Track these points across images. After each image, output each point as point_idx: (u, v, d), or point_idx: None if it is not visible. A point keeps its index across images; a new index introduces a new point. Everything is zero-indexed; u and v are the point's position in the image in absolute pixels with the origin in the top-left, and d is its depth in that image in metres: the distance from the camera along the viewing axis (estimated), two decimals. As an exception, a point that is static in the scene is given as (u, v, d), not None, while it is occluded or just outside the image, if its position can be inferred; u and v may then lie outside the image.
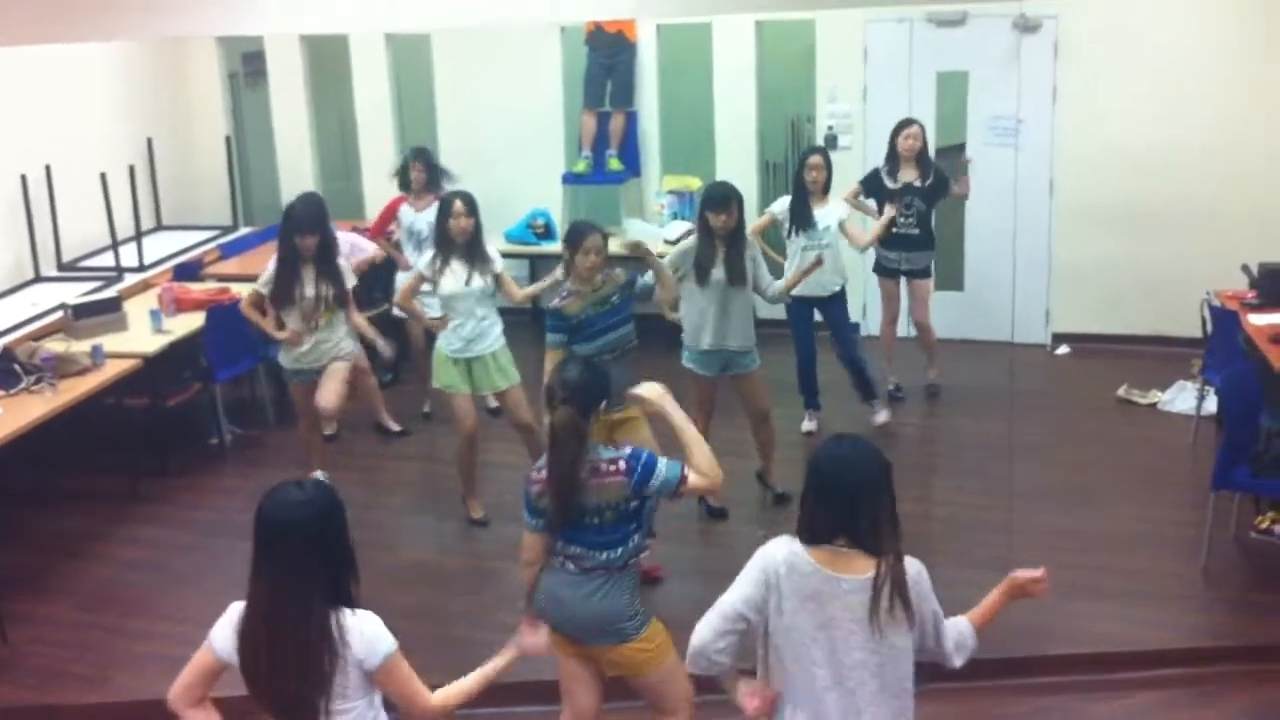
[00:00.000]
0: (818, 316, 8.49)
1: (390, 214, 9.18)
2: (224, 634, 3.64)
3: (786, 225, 8.21)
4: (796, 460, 8.24)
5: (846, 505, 3.63)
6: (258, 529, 3.59)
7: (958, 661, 3.83)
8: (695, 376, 7.26)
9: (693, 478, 4.51)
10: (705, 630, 3.74)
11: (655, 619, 4.73)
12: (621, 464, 4.48)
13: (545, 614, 4.60)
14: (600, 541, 4.52)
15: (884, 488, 3.67)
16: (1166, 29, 9.42)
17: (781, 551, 3.68)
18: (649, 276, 6.77)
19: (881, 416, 8.60)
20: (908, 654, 3.68)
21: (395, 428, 8.92)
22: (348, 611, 3.58)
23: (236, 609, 3.64)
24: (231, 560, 7.00)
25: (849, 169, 9.28)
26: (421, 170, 8.90)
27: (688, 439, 4.55)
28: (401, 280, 8.42)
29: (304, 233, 7.26)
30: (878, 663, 3.63)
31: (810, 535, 3.67)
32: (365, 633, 3.58)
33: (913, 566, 3.68)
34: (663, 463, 4.51)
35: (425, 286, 7.40)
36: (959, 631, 3.84)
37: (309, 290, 7.32)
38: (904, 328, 9.50)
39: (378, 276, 9.32)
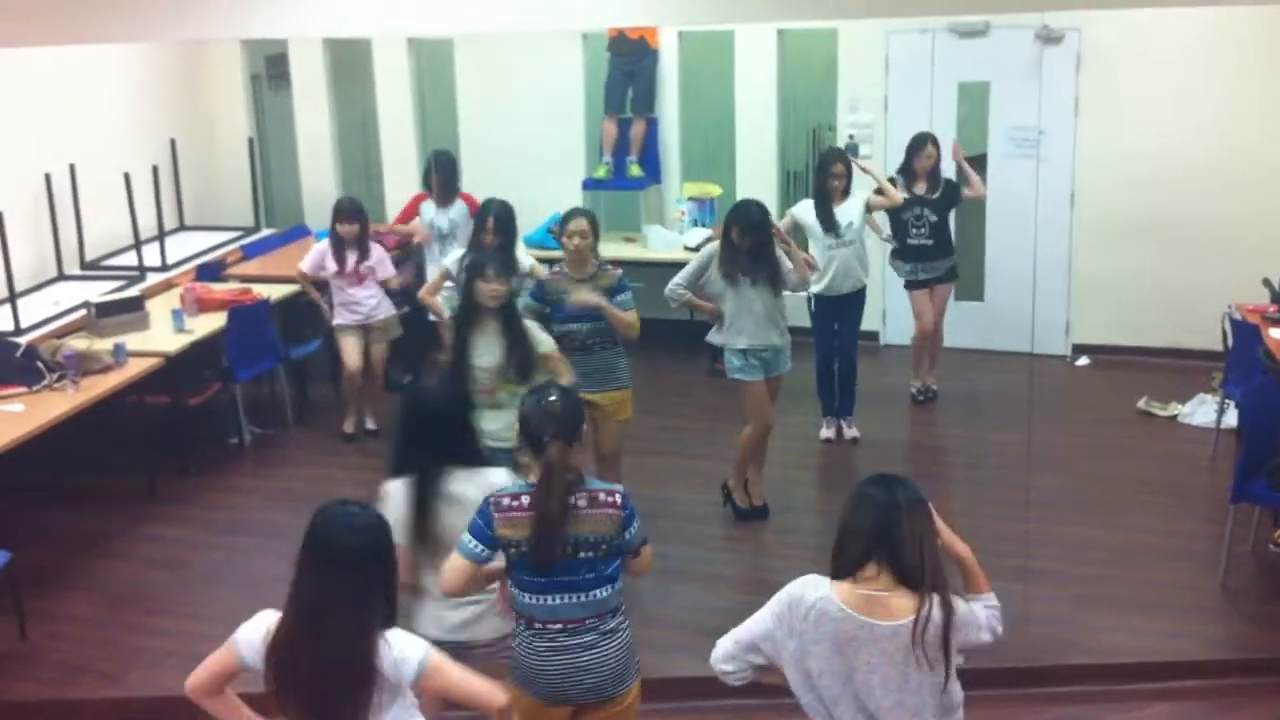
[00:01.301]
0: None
1: (411, 210, 9.27)
2: (252, 640, 3.59)
3: (810, 228, 8.23)
4: (810, 466, 8.31)
5: (878, 535, 3.56)
6: (316, 549, 3.55)
7: (999, 629, 3.79)
8: (744, 384, 7.28)
9: (646, 551, 4.40)
10: (719, 651, 3.80)
11: None
12: (617, 497, 4.27)
13: (547, 692, 4.29)
14: (593, 579, 4.22)
15: (923, 524, 3.59)
16: (1188, 42, 9.40)
17: (811, 597, 3.60)
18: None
19: (853, 433, 8.61)
20: (951, 681, 3.62)
21: (349, 431, 8.96)
22: (389, 638, 3.55)
23: (268, 617, 3.60)
24: (250, 559, 7.13)
25: (869, 179, 9.28)
26: (438, 175, 9.08)
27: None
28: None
29: (490, 278, 6.03)
30: (916, 702, 3.57)
31: (840, 568, 3.61)
32: (394, 655, 3.53)
33: (960, 606, 3.63)
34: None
35: (449, 284, 7.47)
36: (982, 616, 3.75)
37: (485, 359, 6.02)
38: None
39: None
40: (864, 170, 8.66)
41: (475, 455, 4.77)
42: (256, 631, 3.60)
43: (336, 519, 3.59)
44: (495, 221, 7.39)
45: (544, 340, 6.21)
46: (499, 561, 4.26)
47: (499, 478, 4.60)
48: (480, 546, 4.20)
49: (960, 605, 3.62)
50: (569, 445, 4.24)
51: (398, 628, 3.63)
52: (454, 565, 4.21)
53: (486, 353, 6.00)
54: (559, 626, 4.22)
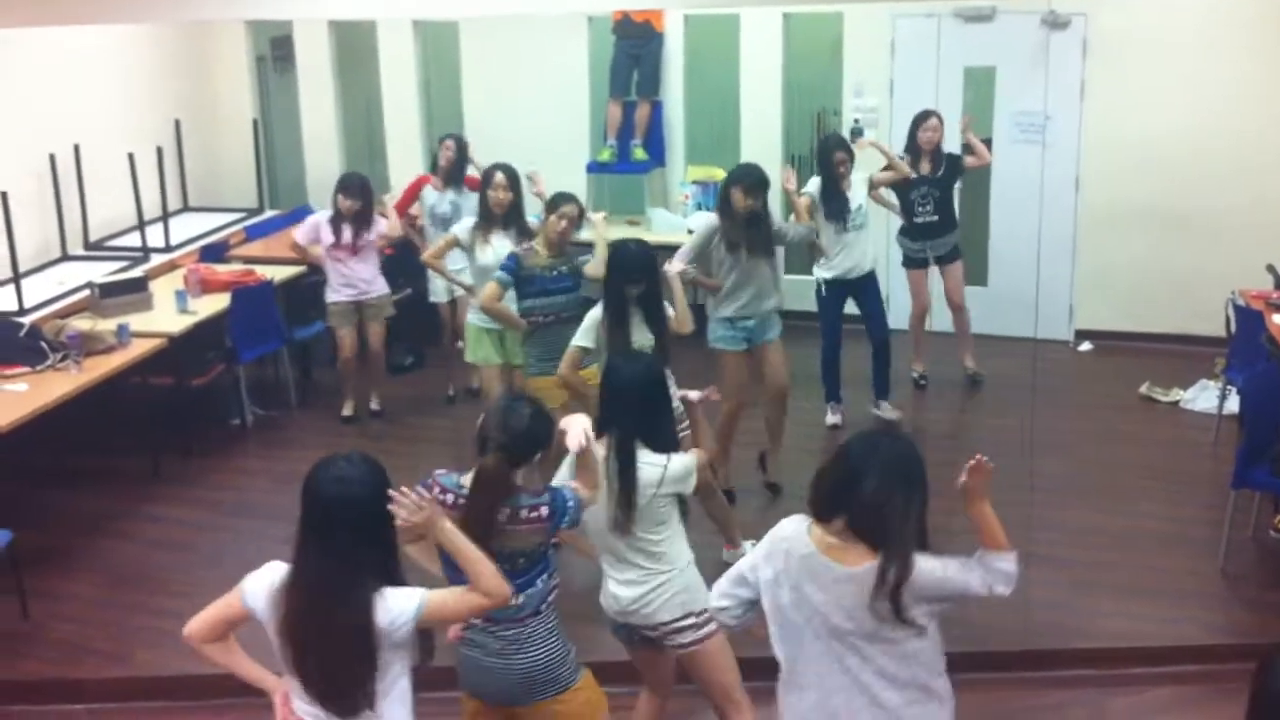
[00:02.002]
0: (849, 307, 8.52)
1: (413, 193, 9.24)
2: (258, 590, 3.62)
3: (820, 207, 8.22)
4: (815, 453, 8.29)
5: (855, 484, 3.57)
6: (309, 505, 3.57)
7: (1002, 590, 3.72)
8: (724, 354, 7.29)
9: (583, 492, 4.36)
10: (713, 591, 3.92)
11: (586, 668, 4.46)
12: (544, 510, 4.17)
13: (467, 685, 4.34)
14: None
15: (908, 484, 3.59)
16: (1195, 28, 9.38)
17: (788, 530, 3.71)
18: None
19: (892, 414, 8.63)
20: (916, 645, 3.60)
21: (347, 413, 8.95)
22: (386, 593, 3.55)
23: (276, 570, 3.62)
24: (253, 540, 7.12)
25: (873, 163, 9.26)
26: (451, 151, 8.99)
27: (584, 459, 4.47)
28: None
29: (633, 280, 6.15)
30: (873, 655, 3.58)
31: (815, 507, 3.68)
32: (390, 608, 3.55)
33: (930, 571, 3.59)
34: (566, 491, 4.30)
35: (463, 261, 7.55)
36: (984, 567, 3.73)
37: (635, 340, 6.19)
38: (933, 321, 9.51)
39: (398, 261, 9.38)
40: (876, 146, 8.64)
41: (661, 437, 4.68)
42: (263, 581, 3.63)
43: (327, 472, 3.60)
44: (506, 176, 7.54)
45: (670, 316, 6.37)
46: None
47: (675, 464, 4.61)
48: None
49: (930, 569, 3.57)
50: (510, 462, 4.13)
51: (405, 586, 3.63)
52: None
53: (636, 336, 6.19)
54: (478, 622, 4.21)
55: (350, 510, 3.55)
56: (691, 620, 4.69)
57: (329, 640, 3.54)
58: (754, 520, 7.32)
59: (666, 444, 4.70)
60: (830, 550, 3.60)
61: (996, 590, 3.72)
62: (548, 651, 4.27)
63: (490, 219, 7.55)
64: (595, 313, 6.25)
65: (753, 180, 7.10)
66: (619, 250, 6.33)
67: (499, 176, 7.56)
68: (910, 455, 3.67)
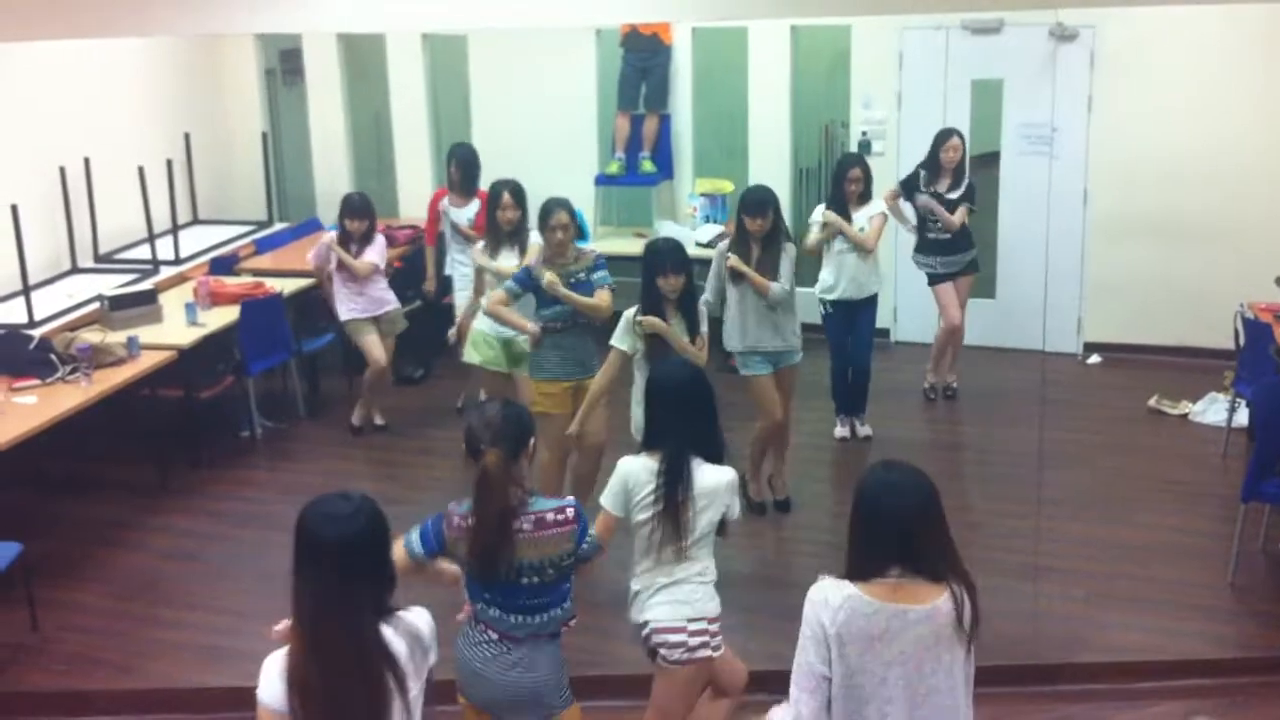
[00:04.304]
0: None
1: (434, 210, 9.30)
2: (270, 685, 3.39)
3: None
4: (825, 463, 8.33)
5: (899, 535, 3.47)
6: (303, 543, 3.43)
7: None
8: (749, 379, 7.29)
9: (596, 562, 4.45)
10: (806, 713, 3.54)
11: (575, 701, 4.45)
12: (569, 511, 4.17)
13: (463, 689, 4.31)
14: (536, 604, 4.17)
15: (937, 513, 3.52)
16: (1202, 41, 9.38)
17: (835, 599, 3.47)
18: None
19: (865, 429, 8.60)
20: (970, 669, 3.59)
21: (356, 423, 8.96)
22: (400, 614, 3.44)
23: (274, 659, 3.42)
24: (261, 552, 7.13)
25: (882, 175, 9.26)
26: (456, 169, 9.05)
27: None
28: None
29: (667, 273, 6.31)
30: (949, 686, 3.52)
31: (861, 571, 3.50)
32: (418, 621, 3.46)
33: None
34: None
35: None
36: None
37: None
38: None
39: (407, 274, 9.40)
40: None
41: (714, 445, 4.69)
42: (269, 674, 3.41)
43: (318, 511, 3.46)
44: (513, 196, 7.60)
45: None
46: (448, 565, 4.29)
47: (726, 475, 4.63)
48: (422, 550, 4.20)
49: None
50: (508, 456, 4.10)
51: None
52: (396, 549, 4.16)
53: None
54: (495, 636, 4.20)
55: (346, 550, 3.39)
56: (681, 637, 4.63)
57: (338, 676, 3.35)
58: (758, 533, 7.36)
59: (718, 452, 4.67)
60: (893, 597, 3.45)
61: None
62: (555, 674, 4.28)
63: (497, 234, 7.59)
64: (629, 314, 6.29)
65: (753, 202, 7.12)
66: (651, 246, 6.41)
67: (506, 197, 7.60)
68: (928, 482, 3.57)
